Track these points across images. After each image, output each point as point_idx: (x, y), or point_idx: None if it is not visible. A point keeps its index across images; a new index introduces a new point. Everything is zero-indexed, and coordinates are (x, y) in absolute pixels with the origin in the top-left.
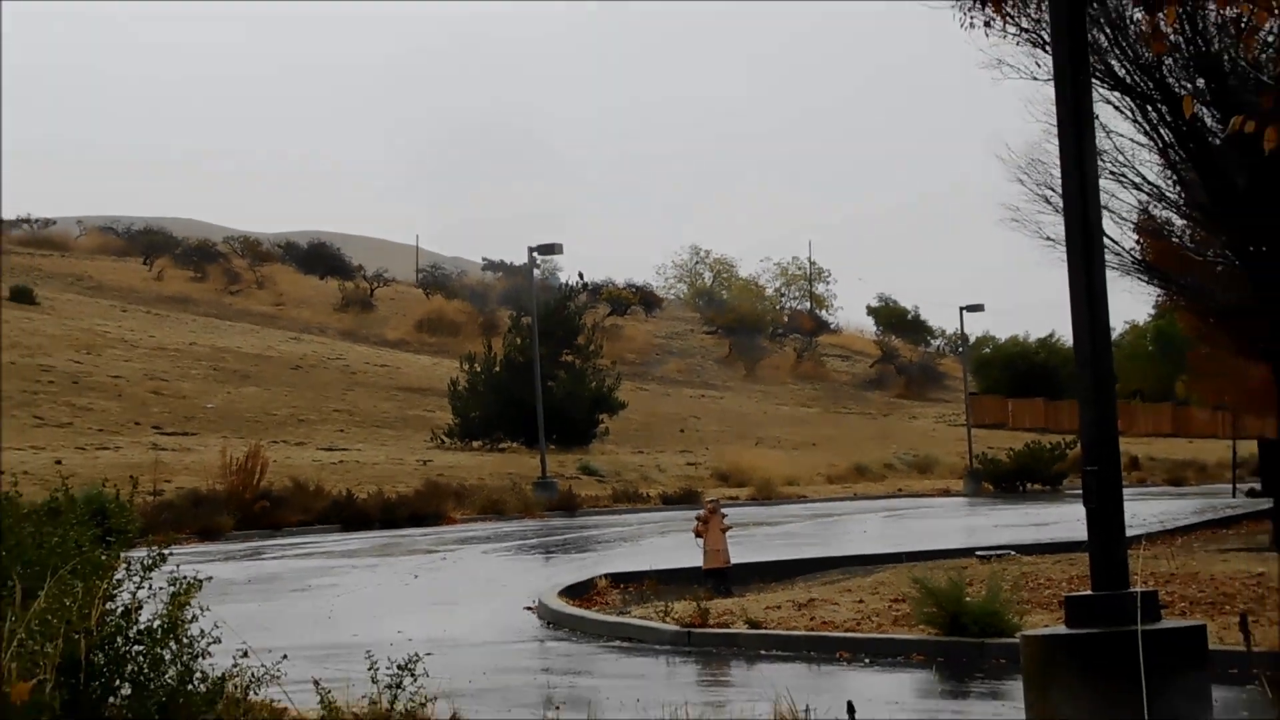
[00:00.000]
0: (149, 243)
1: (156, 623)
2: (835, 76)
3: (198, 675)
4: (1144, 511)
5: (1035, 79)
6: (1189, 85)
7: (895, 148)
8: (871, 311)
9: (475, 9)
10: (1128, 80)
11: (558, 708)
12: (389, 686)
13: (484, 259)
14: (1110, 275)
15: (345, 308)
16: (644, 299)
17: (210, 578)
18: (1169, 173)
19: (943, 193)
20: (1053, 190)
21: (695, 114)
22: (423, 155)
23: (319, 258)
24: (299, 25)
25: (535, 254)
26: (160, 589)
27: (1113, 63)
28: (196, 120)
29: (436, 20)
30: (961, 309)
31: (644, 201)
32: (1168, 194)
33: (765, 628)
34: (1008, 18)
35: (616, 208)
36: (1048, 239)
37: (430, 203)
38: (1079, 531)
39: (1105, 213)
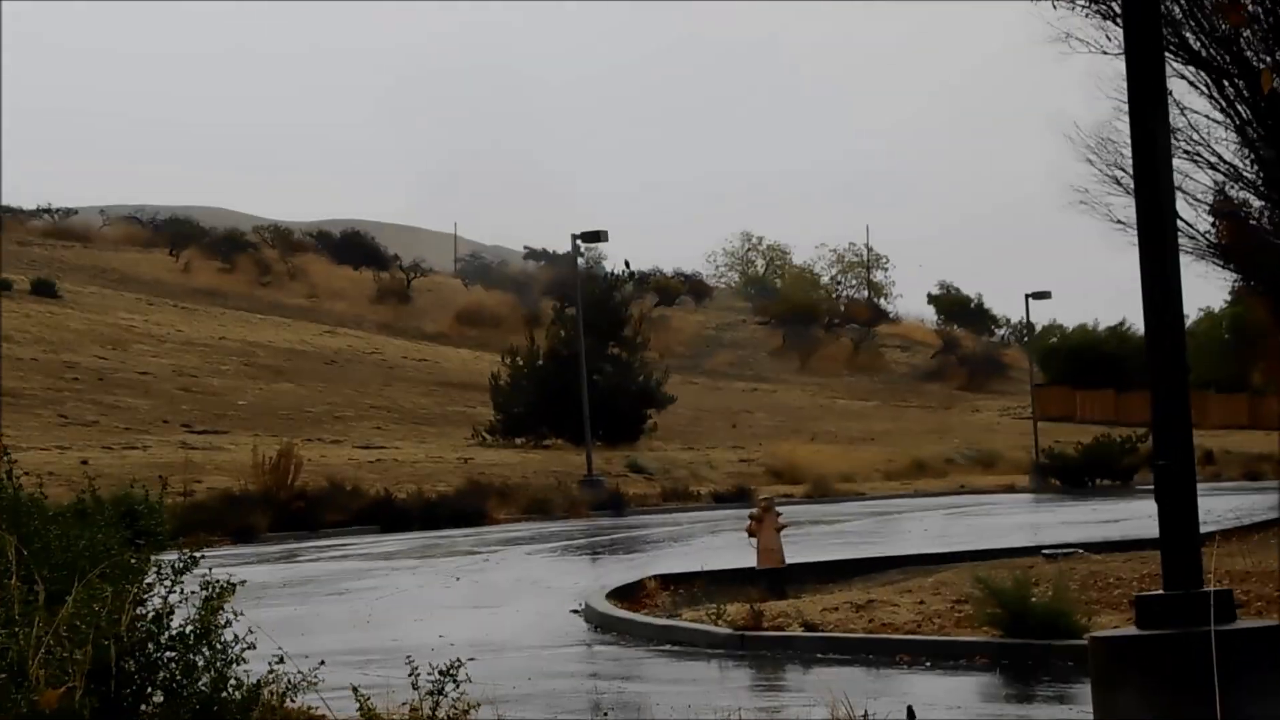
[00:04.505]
0: (176, 233)
1: (189, 628)
2: (890, 56)
3: (232, 682)
4: (1218, 507)
5: (1105, 53)
6: (1268, 58)
7: (955, 129)
8: (932, 300)
9: None
10: (1203, 54)
11: (606, 714)
12: (430, 693)
13: (525, 247)
14: (1184, 260)
15: (381, 300)
16: (693, 288)
17: (244, 581)
18: (1246, 151)
19: (1007, 175)
20: (1123, 171)
21: (743, 92)
22: (458, 140)
23: (353, 247)
24: (332, 8)
25: (579, 241)
26: (192, 593)
27: (1187, 35)
28: (222, 102)
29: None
30: (1027, 296)
31: (693, 186)
32: (1245, 174)
33: (822, 630)
34: None
35: (664, 192)
36: (1118, 222)
37: (468, 189)
38: (1150, 528)
39: (1179, 194)
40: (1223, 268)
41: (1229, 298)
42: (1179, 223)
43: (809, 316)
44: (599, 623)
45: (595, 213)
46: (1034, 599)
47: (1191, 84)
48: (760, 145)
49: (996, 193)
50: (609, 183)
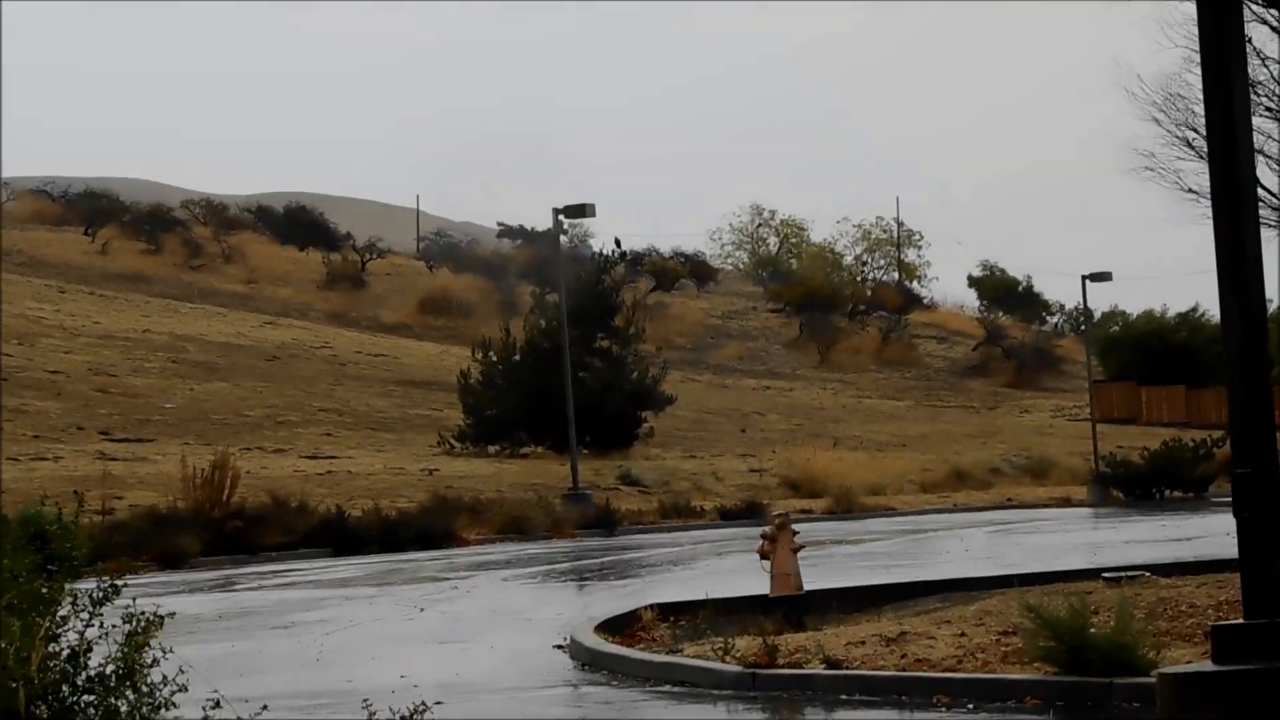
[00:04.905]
0: (91, 208)
1: (110, 667)
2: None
3: None
4: None
5: None
6: None
7: (998, 84)
8: (973, 282)
9: None
10: None
11: None
12: None
13: (499, 224)
14: (1266, 235)
15: (332, 285)
16: (695, 271)
17: (173, 613)
18: None
19: (1060, 138)
20: (1195, 131)
21: (754, 51)
22: (420, 99)
23: (298, 224)
24: None
25: (562, 217)
26: (114, 627)
27: None
28: (143, 51)
29: None
30: (1084, 278)
31: (694, 154)
32: None
33: (846, 667)
34: None
35: (660, 161)
36: (1189, 191)
37: (433, 156)
38: (1229, 547)
39: (1259, 158)
40: None
41: None
42: (1260, 191)
43: (830, 303)
44: (587, 660)
45: (580, 184)
46: (1093, 630)
47: (1274, 29)
48: (770, 103)
49: (1047, 159)
50: (596, 150)
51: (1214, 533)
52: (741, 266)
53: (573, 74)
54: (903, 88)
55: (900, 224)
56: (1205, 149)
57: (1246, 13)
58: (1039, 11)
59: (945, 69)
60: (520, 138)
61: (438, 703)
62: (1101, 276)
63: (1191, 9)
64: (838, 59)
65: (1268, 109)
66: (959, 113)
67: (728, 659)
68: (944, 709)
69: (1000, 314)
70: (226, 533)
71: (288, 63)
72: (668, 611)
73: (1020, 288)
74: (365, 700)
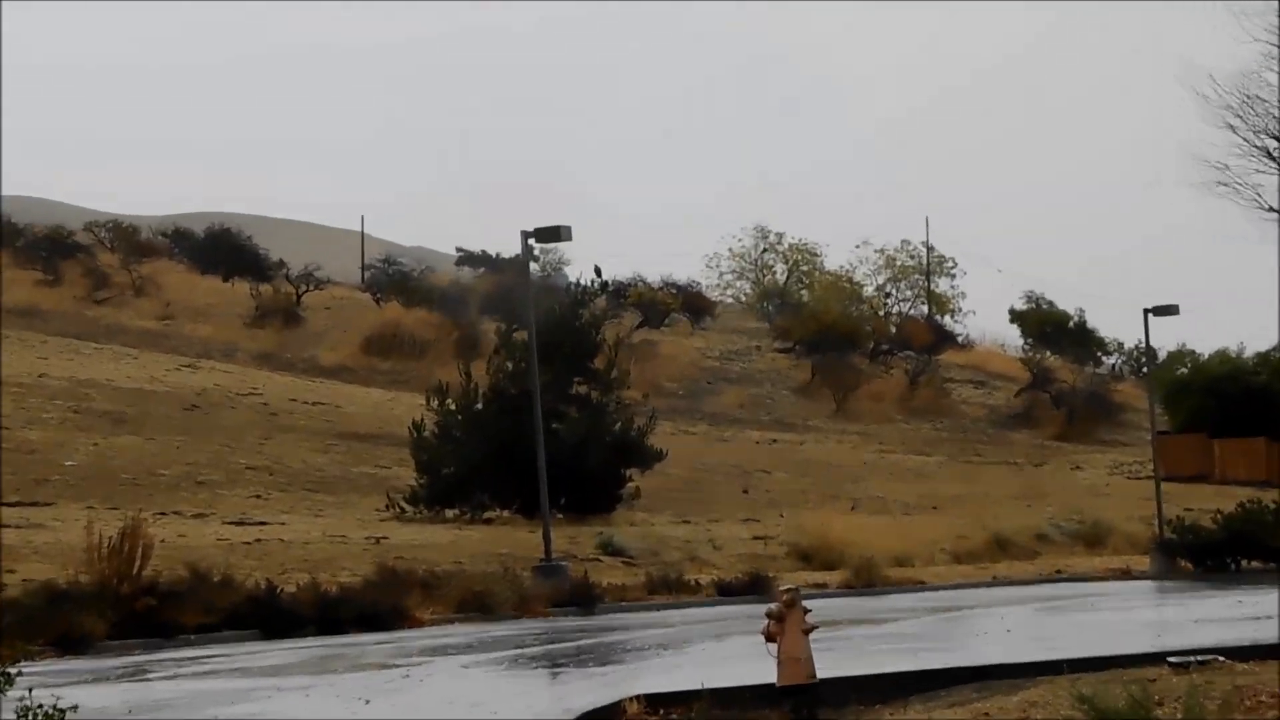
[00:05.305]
0: None
1: None
2: None
3: None
4: None
5: None
6: None
7: (1045, 86)
8: (1016, 317)
9: None
10: None
11: None
12: None
13: (458, 249)
14: None
15: (261, 321)
16: (689, 303)
17: (75, 706)
18: None
19: (1117, 148)
20: (1277, 140)
21: (758, 51)
22: (368, 106)
23: (222, 250)
24: None
25: (532, 241)
26: None
27: None
28: (39, 53)
29: None
30: (1146, 312)
31: (687, 168)
32: None
33: None
34: None
35: (648, 175)
36: (1270, 210)
37: (382, 171)
38: None
39: None
40: None
41: None
42: None
43: (848, 340)
44: None
45: (553, 206)
46: None
47: None
48: (776, 107)
49: (1101, 173)
50: (573, 167)
51: None
52: (743, 298)
53: (563, 77)
54: (930, 94)
55: (930, 248)
56: None
57: None
58: (1094, 12)
59: (975, 71)
60: (484, 150)
61: None
62: (1166, 310)
63: None
64: (850, 61)
65: None
66: (1003, 117)
67: None
68: None
69: (1048, 354)
70: (137, 612)
71: (207, 53)
72: (657, 703)
73: (1071, 323)
74: None
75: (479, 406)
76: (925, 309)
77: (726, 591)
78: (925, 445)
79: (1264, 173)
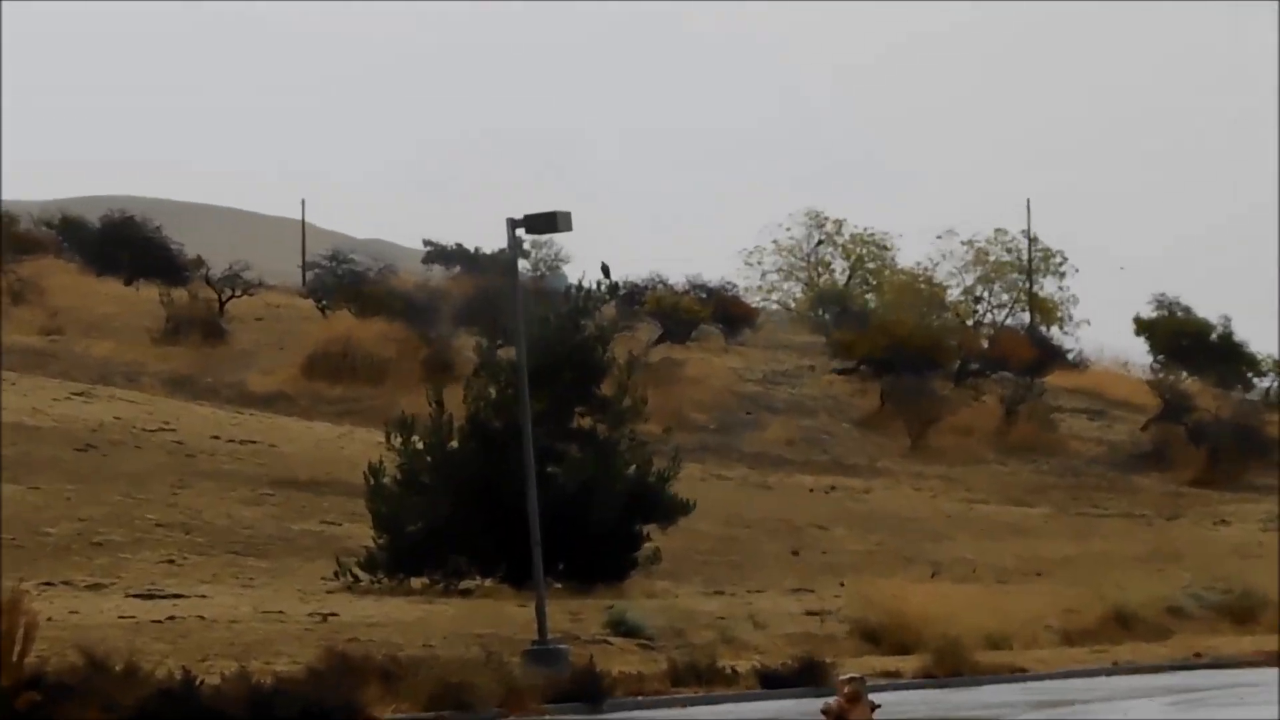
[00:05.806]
0: None
1: None
2: None
3: None
4: None
5: None
6: None
7: (1162, 57)
8: (1142, 327)
9: None
10: None
11: None
12: None
13: (426, 243)
14: None
15: (174, 336)
16: (722, 311)
17: None
18: None
19: (1259, 124)
20: None
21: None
22: (311, 68)
23: (123, 244)
24: None
25: (520, 232)
26: None
27: None
28: None
29: None
30: None
31: (717, 151)
32: None
33: None
34: None
35: (669, 149)
36: None
37: (328, 148)
38: None
39: None
40: None
41: None
42: None
43: (927, 358)
44: None
45: (547, 191)
46: None
47: None
48: (831, 65)
49: (1245, 155)
50: (572, 140)
51: None
52: (792, 304)
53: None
54: (1033, 66)
55: (1033, 240)
56: None
57: None
58: None
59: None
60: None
61: None
62: None
63: None
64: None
65: None
66: (1106, 91)
67: None
68: None
69: (1184, 375)
70: (18, 711)
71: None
72: None
73: (1214, 335)
74: None
75: (454, 445)
76: (1026, 318)
77: (772, 682)
78: (1026, 493)
79: None
